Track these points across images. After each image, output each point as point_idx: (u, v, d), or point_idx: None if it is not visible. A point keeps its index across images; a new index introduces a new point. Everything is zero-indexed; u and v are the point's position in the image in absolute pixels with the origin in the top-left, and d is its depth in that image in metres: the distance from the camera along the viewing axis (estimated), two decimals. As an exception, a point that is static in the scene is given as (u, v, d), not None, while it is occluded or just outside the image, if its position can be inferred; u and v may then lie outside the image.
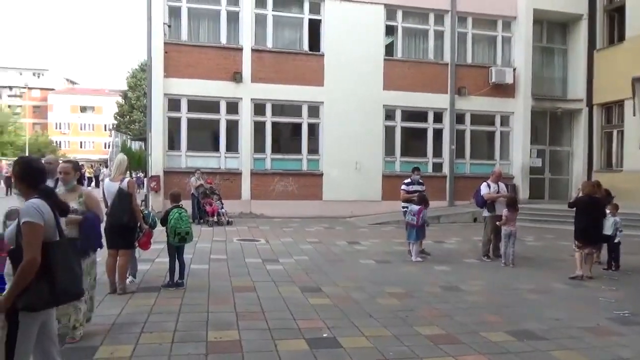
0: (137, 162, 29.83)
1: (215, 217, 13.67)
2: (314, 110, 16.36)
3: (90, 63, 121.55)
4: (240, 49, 15.67)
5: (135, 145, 37.69)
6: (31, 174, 2.94)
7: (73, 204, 4.59)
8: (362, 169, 16.29)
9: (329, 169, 16.23)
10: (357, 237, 11.96)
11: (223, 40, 15.75)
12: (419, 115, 17.33)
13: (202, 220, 13.80)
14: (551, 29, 18.75)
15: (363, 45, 16.33)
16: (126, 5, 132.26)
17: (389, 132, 17.03)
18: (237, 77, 15.46)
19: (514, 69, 17.58)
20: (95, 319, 5.08)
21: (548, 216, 15.11)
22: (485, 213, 9.54)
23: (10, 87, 73.19)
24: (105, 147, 69.47)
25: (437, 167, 17.39)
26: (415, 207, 9.22)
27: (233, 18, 15.85)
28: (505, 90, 17.49)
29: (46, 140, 63.28)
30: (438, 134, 17.45)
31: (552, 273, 8.39)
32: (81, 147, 71.44)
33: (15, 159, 3.24)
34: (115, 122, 46.29)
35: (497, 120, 17.92)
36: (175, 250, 6.75)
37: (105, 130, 69.72)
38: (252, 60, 15.74)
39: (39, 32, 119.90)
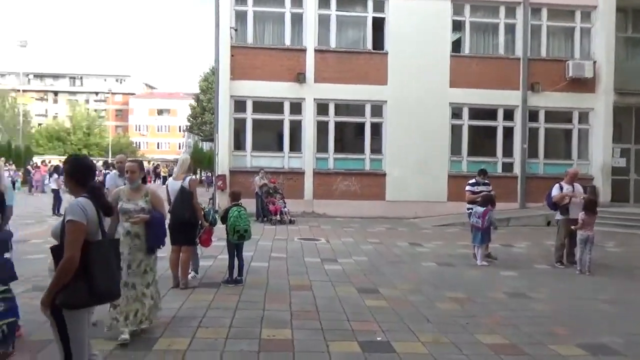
0: (208, 162, 31.03)
1: (278, 216, 13.87)
2: (377, 109, 16.15)
3: (166, 68, 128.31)
4: (304, 50, 15.81)
5: (206, 146, 39.25)
6: (79, 172, 3.00)
7: (140, 203, 4.77)
8: (427, 169, 15.86)
9: (392, 168, 15.96)
10: (419, 239, 11.65)
11: (287, 42, 15.96)
12: (487, 113, 16.60)
13: (265, 219, 14.05)
14: (637, 18, 17.25)
15: (428, 42, 15.90)
16: (198, 13, 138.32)
17: (456, 130, 16.46)
18: (300, 78, 15.61)
19: (594, 62, 16.35)
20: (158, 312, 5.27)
21: (633, 220, 13.91)
22: (558, 216, 8.92)
23: (97, 93, 78.87)
24: (179, 148, 72.96)
25: (508, 167, 16.57)
26: (480, 209, 8.81)
27: (297, 20, 16.01)
28: (583, 85, 16.32)
29: (127, 141, 67.44)
30: (508, 132, 16.62)
31: (632, 283, 7.71)
32: (158, 147, 75.51)
33: (66, 157, 3.33)
34: (189, 123, 48.41)
35: (575, 117, 16.77)
36: (235, 248, 6.89)
37: (180, 131, 73.21)
38: (316, 61, 15.82)
39: (121, 41, 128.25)
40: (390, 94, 15.90)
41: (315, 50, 15.83)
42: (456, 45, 16.55)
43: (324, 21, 16.05)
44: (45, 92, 79.27)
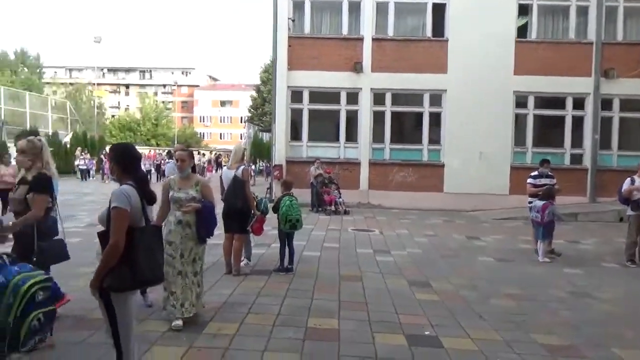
0: (267, 152, 31.57)
1: (332, 206, 13.90)
2: (436, 98, 15.71)
3: (229, 60, 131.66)
4: (361, 39, 15.63)
5: (266, 137, 39.94)
6: (125, 160, 3.11)
7: (191, 192, 4.80)
8: (488, 160, 15.26)
9: (451, 159, 15.50)
10: (477, 232, 11.26)
11: (344, 31, 15.84)
12: (555, 101, 15.68)
13: (319, 209, 14.12)
14: None
15: (492, 28, 15.21)
16: (259, 4, 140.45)
17: (520, 120, 15.71)
18: (357, 67, 15.47)
19: (678, 45, 15.00)
20: (210, 297, 5.44)
21: None
22: (629, 211, 8.29)
23: (164, 85, 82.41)
24: (240, 138, 74.83)
25: (576, 158, 15.61)
26: (540, 203, 8.36)
27: (354, 8, 15.84)
28: (665, 70, 15.01)
29: (192, 132, 70.06)
30: (578, 122, 15.64)
31: None
32: (221, 138, 77.86)
33: (111, 146, 3.46)
34: (249, 114, 49.53)
35: (655, 105, 15.49)
36: (286, 237, 6.97)
37: (241, 122, 75.00)
38: (373, 50, 15.61)
39: (187, 34, 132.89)
40: (450, 83, 15.40)
41: (373, 39, 15.61)
42: (522, 31, 15.72)
43: (382, 9, 15.77)
44: (118, 85, 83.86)
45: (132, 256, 2.85)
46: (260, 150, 35.06)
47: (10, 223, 4.03)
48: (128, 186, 2.99)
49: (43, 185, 4.10)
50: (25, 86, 48.40)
